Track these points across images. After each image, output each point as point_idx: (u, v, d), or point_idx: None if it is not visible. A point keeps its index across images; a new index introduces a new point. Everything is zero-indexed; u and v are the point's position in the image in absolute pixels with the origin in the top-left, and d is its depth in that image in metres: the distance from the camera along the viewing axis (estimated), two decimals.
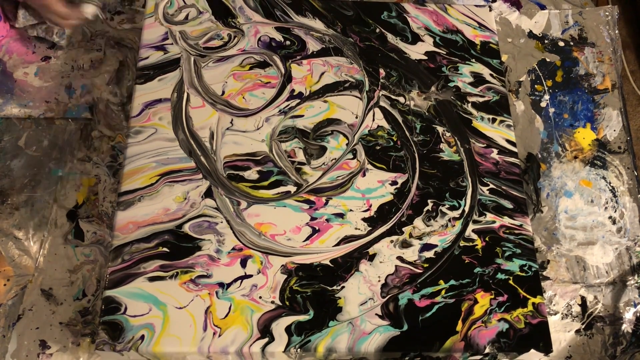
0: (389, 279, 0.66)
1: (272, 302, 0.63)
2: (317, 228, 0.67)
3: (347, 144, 0.73)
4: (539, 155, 0.81)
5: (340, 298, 0.64)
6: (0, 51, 0.81)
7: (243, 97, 0.74)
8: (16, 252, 0.71)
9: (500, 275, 0.67)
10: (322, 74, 0.77)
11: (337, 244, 0.67)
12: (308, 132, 0.73)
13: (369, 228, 0.68)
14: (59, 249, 0.71)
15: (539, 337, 0.64)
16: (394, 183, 0.71)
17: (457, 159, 0.73)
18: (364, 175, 0.71)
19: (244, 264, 0.65)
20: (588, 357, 0.72)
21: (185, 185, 0.68)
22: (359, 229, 0.68)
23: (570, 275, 0.75)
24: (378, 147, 0.73)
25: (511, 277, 0.67)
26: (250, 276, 0.64)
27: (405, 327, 0.63)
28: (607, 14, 0.92)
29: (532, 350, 0.64)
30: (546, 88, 0.86)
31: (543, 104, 0.85)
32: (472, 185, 0.72)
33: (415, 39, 0.81)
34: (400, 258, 0.67)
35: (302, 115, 0.74)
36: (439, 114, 0.75)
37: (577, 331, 0.73)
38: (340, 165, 0.71)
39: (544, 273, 0.75)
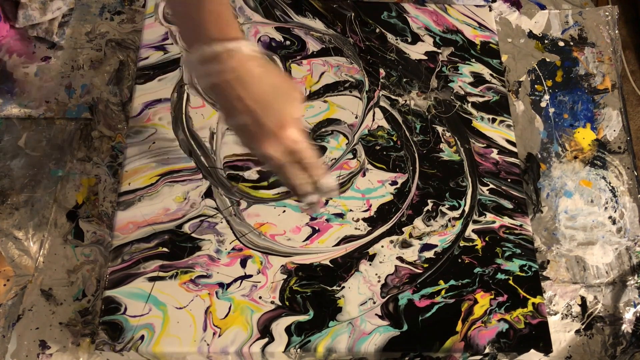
0: (389, 279, 0.66)
1: (272, 302, 0.63)
2: (317, 228, 0.67)
3: (347, 144, 0.73)
4: (539, 155, 0.81)
5: (340, 298, 0.64)
6: (0, 51, 0.81)
7: None
8: (16, 252, 0.71)
9: (500, 276, 0.67)
10: (322, 74, 0.77)
11: (337, 244, 0.67)
12: (308, 132, 0.73)
13: (369, 228, 0.68)
14: (59, 249, 0.71)
15: (539, 337, 0.64)
16: (394, 183, 0.71)
17: (457, 159, 0.73)
18: (364, 175, 0.71)
19: (243, 264, 0.65)
20: (588, 357, 0.72)
21: (185, 185, 0.68)
22: (359, 229, 0.68)
23: (570, 275, 0.75)
24: (378, 147, 0.73)
25: (511, 277, 0.67)
26: (250, 276, 0.64)
27: (405, 327, 0.63)
28: (607, 14, 0.92)
29: (532, 350, 0.64)
30: (546, 88, 0.86)
31: (543, 104, 0.85)
32: (472, 185, 0.72)
33: (415, 39, 0.81)
34: (400, 258, 0.67)
35: (302, 116, 0.74)
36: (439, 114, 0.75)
37: (577, 331, 0.73)
38: (340, 165, 0.71)
39: (544, 273, 0.75)
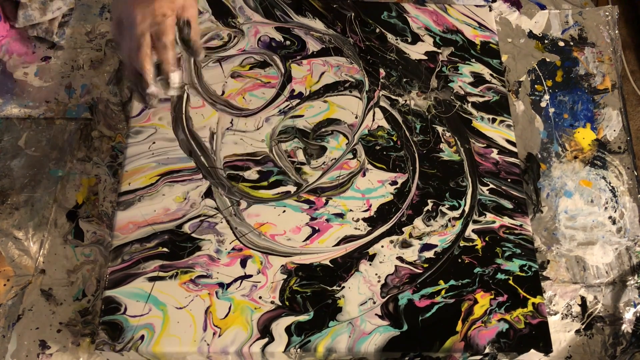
0: (389, 279, 0.66)
1: (272, 302, 0.63)
2: (317, 228, 0.67)
3: (347, 144, 0.73)
4: (539, 155, 0.81)
5: (340, 298, 0.64)
6: (0, 51, 0.81)
7: (243, 97, 0.74)
8: (16, 252, 0.71)
9: (500, 276, 0.67)
10: (322, 74, 0.77)
11: (337, 244, 0.67)
12: (308, 132, 0.73)
13: (369, 228, 0.68)
14: (59, 249, 0.71)
15: (539, 337, 0.64)
16: (394, 183, 0.71)
17: (457, 159, 0.73)
18: (364, 175, 0.71)
19: (243, 264, 0.65)
20: (588, 357, 0.72)
21: (185, 185, 0.68)
22: (359, 229, 0.68)
23: (570, 275, 0.75)
24: (378, 147, 0.73)
25: (511, 277, 0.67)
26: (250, 276, 0.64)
27: (405, 327, 0.63)
28: (607, 14, 0.92)
29: (532, 350, 0.64)
30: (546, 88, 0.86)
31: (543, 104, 0.85)
32: (472, 185, 0.72)
33: (415, 39, 0.81)
34: (400, 258, 0.67)
35: (302, 115, 0.74)
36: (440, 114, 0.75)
37: (577, 331, 0.73)
38: (340, 165, 0.71)
39: (544, 273, 0.75)
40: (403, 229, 0.68)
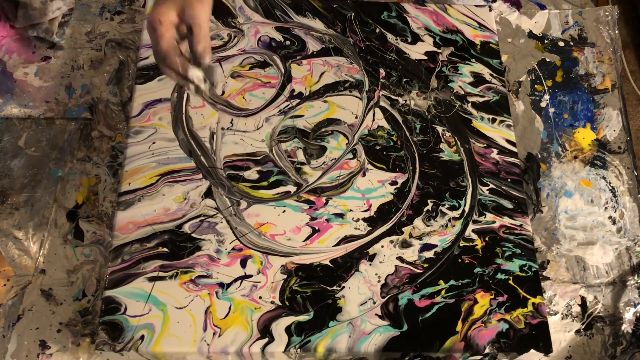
0: (389, 279, 0.66)
1: (272, 302, 0.63)
2: (317, 228, 0.67)
3: (347, 144, 0.73)
4: (539, 155, 0.81)
5: (340, 298, 0.64)
6: (0, 51, 0.81)
7: (243, 97, 0.74)
8: (16, 252, 0.71)
9: (500, 276, 0.67)
10: (322, 74, 0.77)
11: (337, 244, 0.67)
12: (308, 132, 0.73)
13: (369, 228, 0.68)
14: (59, 249, 0.71)
15: (539, 337, 0.64)
16: (394, 183, 0.71)
17: (457, 159, 0.73)
18: (364, 175, 0.71)
19: (243, 264, 0.65)
20: (588, 357, 0.72)
21: (185, 185, 0.68)
22: (359, 229, 0.68)
23: (570, 275, 0.75)
24: (378, 147, 0.73)
25: (511, 277, 0.67)
26: (250, 276, 0.64)
27: (405, 327, 0.63)
28: (607, 14, 0.92)
29: (532, 350, 0.64)
30: (546, 88, 0.86)
31: (543, 104, 0.85)
32: (472, 185, 0.72)
33: (415, 39, 0.81)
34: (400, 258, 0.67)
35: (302, 115, 0.74)
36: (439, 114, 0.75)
37: (577, 331, 0.73)
38: (340, 165, 0.71)
39: (544, 273, 0.75)
40: (403, 229, 0.68)
